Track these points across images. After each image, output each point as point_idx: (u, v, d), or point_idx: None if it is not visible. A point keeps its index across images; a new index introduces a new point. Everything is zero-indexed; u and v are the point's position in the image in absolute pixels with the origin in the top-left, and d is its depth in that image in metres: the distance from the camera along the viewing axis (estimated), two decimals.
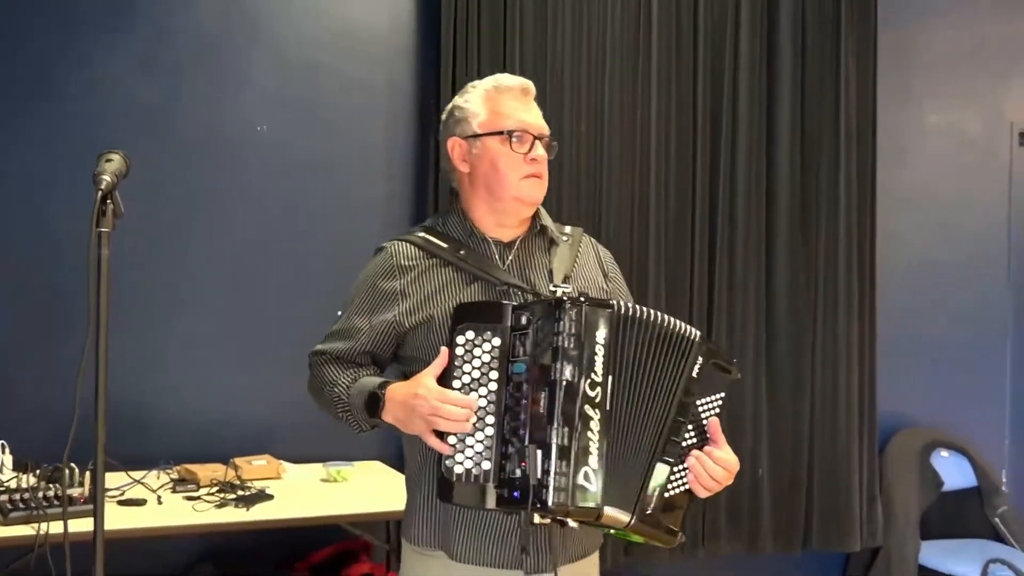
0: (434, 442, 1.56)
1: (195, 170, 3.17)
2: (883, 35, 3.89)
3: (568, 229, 1.87)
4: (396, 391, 1.64)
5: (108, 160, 1.55)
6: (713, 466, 1.61)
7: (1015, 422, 4.36)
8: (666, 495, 1.59)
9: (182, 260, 3.16)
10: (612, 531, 1.61)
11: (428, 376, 1.58)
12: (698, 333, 1.64)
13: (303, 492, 2.84)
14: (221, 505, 2.63)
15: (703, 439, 1.63)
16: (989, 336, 4.31)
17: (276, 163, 3.25)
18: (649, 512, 1.57)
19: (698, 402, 1.62)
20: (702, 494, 1.63)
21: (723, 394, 1.65)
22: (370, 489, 2.89)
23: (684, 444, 1.61)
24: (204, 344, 3.14)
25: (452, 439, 1.55)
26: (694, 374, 1.61)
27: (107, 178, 1.51)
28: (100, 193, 1.50)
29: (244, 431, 3.06)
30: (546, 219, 1.83)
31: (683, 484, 1.62)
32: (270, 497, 2.72)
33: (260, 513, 2.61)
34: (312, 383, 1.82)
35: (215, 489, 2.75)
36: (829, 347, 3.76)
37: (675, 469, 1.60)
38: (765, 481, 3.68)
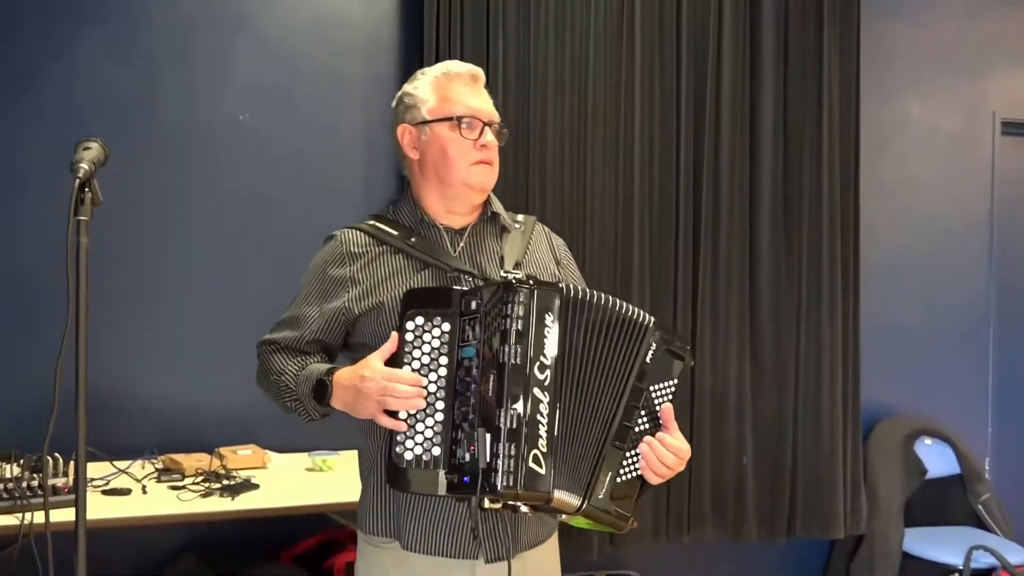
0: (387, 421, 1.55)
1: (176, 160, 3.16)
2: (865, 28, 3.90)
3: (521, 217, 1.87)
4: (343, 376, 1.63)
5: (86, 148, 1.54)
6: (664, 452, 1.61)
7: (997, 410, 4.39)
8: (618, 480, 1.58)
9: (165, 249, 3.15)
10: (563, 516, 1.61)
11: (375, 359, 1.58)
12: (652, 318, 1.64)
13: (288, 481, 2.84)
14: (206, 495, 2.63)
15: (656, 425, 1.63)
16: (971, 325, 4.34)
17: (256, 154, 3.25)
18: (601, 496, 1.56)
19: (651, 388, 1.62)
20: (653, 480, 1.62)
21: (675, 380, 1.65)
22: (355, 478, 2.83)
23: (636, 429, 1.61)
24: (188, 334, 3.14)
25: (403, 414, 1.54)
26: (647, 359, 1.61)
27: (85, 166, 1.50)
28: (78, 181, 1.49)
29: (229, 421, 3.06)
30: (497, 206, 1.83)
31: (635, 470, 1.62)
32: (255, 486, 2.72)
33: (245, 502, 2.61)
34: (260, 373, 1.81)
35: (200, 479, 2.75)
36: (813, 337, 3.77)
37: (627, 454, 1.60)
38: (749, 469, 3.70)
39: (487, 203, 1.81)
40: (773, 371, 3.75)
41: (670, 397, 1.65)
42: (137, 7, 3.14)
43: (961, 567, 3.58)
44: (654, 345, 1.62)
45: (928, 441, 4.06)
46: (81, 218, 1.51)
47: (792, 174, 3.78)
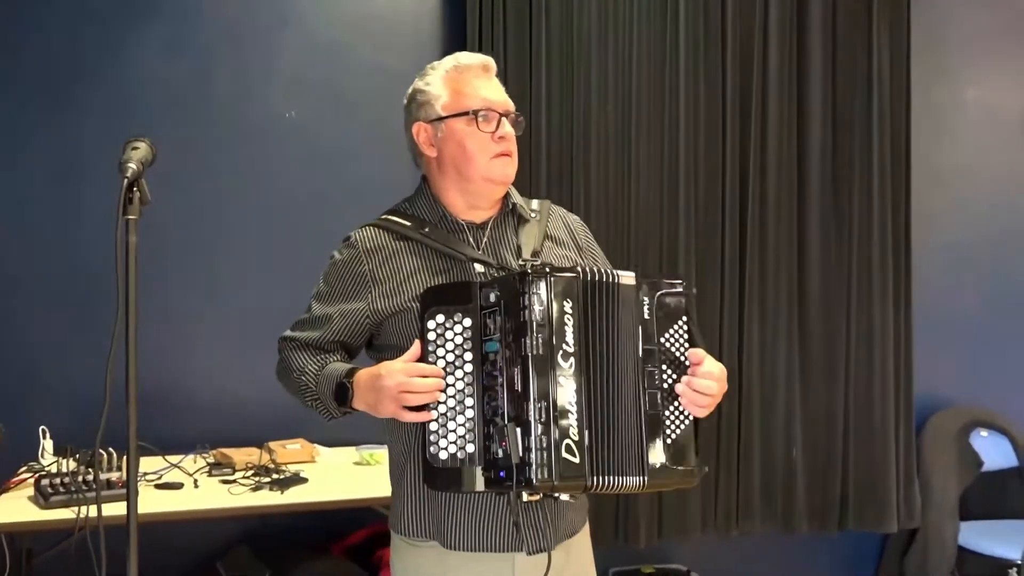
0: (411, 416, 1.54)
1: (226, 154, 3.21)
2: (916, 7, 3.80)
3: (535, 204, 1.84)
4: (362, 378, 1.63)
5: (134, 148, 1.55)
6: (701, 383, 1.59)
7: None
8: (668, 441, 1.57)
9: (215, 244, 3.19)
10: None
11: (398, 361, 1.56)
12: (632, 273, 1.61)
13: (337, 475, 2.87)
14: (256, 488, 2.66)
15: (682, 372, 1.61)
16: None
17: (303, 149, 3.27)
18: (658, 466, 1.56)
19: (661, 340, 1.60)
20: (703, 414, 1.61)
21: (684, 318, 1.62)
22: None
23: (665, 386, 1.59)
24: (236, 329, 3.18)
25: (433, 413, 1.53)
26: (645, 316, 1.59)
27: (133, 166, 1.51)
28: (126, 181, 1.50)
29: (278, 415, 3.06)
30: (516, 197, 1.80)
31: (682, 421, 1.60)
32: (304, 480, 2.75)
33: (295, 496, 2.64)
34: (280, 369, 1.82)
35: (250, 473, 2.79)
36: (864, 326, 3.70)
37: (667, 413, 1.59)
38: (799, 461, 3.65)
39: (507, 195, 1.78)
40: (823, 361, 3.69)
41: (686, 335, 1.63)
42: (188, 3, 3.18)
43: (1020, 561, 3.49)
44: (646, 300, 1.60)
45: (984, 433, 3.96)
46: (130, 217, 1.52)
47: (841, 159, 3.71)
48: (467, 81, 1.73)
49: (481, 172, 1.71)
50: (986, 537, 3.73)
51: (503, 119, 1.71)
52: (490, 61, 1.77)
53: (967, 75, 4.10)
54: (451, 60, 1.76)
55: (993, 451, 3.94)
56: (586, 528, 1.81)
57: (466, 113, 1.70)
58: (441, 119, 1.73)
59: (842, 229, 3.71)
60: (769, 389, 3.61)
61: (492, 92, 1.73)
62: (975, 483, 3.89)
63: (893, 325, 3.73)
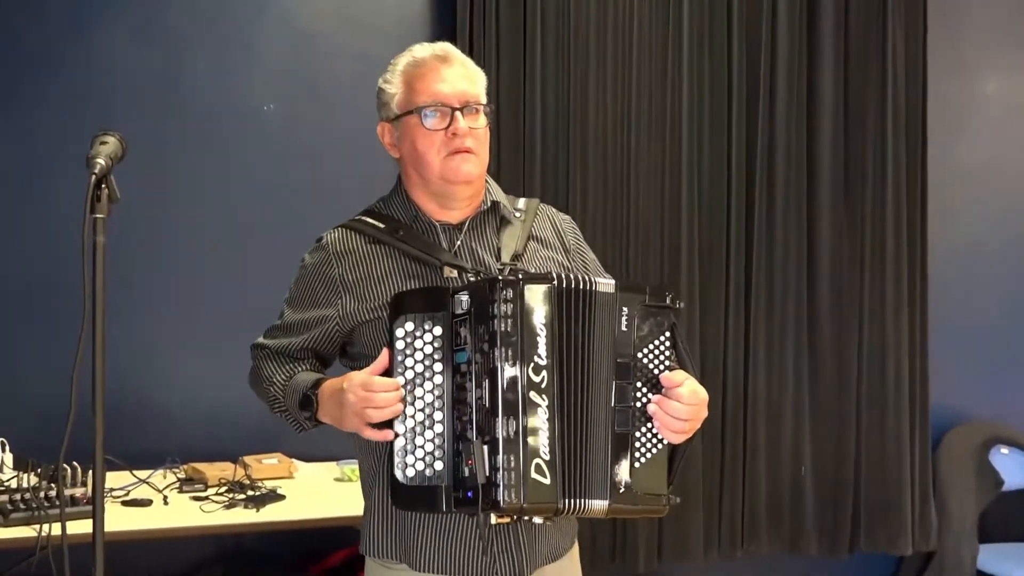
0: (372, 434, 1.54)
1: (198, 149, 3.20)
2: None
3: (521, 203, 1.83)
4: (326, 389, 1.64)
5: (103, 142, 1.55)
6: (675, 406, 1.58)
7: None
8: (636, 465, 1.57)
9: (188, 245, 3.19)
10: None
11: (360, 373, 1.57)
12: (613, 281, 1.61)
13: (316, 492, 2.87)
14: (230, 506, 2.66)
15: (659, 392, 1.59)
16: None
17: (282, 143, 3.27)
18: (622, 490, 1.55)
19: (639, 355, 1.59)
20: (678, 440, 1.60)
21: (667, 333, 1.62)
22: None
23: (638, 405, 1.58)
24: (210, 335, 3.17)
25: (400, 428, 1.53)
26: (623, 328, 1.58)
27: (101, 161, 1.51)
28: (94, 177, 1.51)
29: (254, 428, 3.07)
30: (497, 194, 1.80)
31: (654, 445, 1.59)
32: (281, 497, 2.75)
33: (271, 514, 2.65)
34: (252, 377, 1.85)
35: (224, 489, 2.78)
36: (877, 334, 3.72)
37: (637, 435, 1.58)
38: (808, 479, 3.67)
39: (486, 192, 1.78)
40: (833, 371, 3.71)
41: (668, 352, 1.62)
42: None
43: None
44: (625, 310, 1.59)
45: (1004, 450, 3.99)
46: (97, 216, 1.53)
47: (854, 157, 3.73)
48: (420, 76, 1.72)
49: (436, 173, 1.71)
50: (1007, 561, 3.76)
51: (456, 113, 1.70)
52: (446, 50, 1.76)
53: (987, 68, 4.13)
54: (407, 54, 1.77)
55: (1014, 469, 3.97)
56: (574, 550, 1.81)
57: (413, 111, 1.71)
58: (398, 118, 1.74)
59: (855, 231, 3.73)
60: (776, 401, 3.63)
61: (446, 84, 1.71)
62: (995, 503, 3.92)
63: (908, 333, 3.75)
